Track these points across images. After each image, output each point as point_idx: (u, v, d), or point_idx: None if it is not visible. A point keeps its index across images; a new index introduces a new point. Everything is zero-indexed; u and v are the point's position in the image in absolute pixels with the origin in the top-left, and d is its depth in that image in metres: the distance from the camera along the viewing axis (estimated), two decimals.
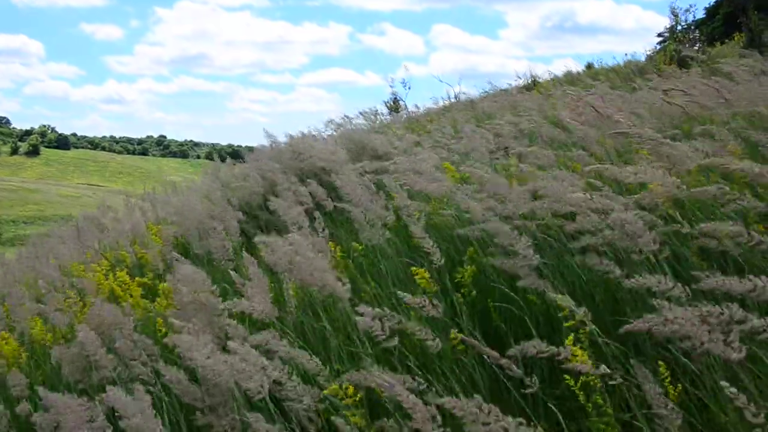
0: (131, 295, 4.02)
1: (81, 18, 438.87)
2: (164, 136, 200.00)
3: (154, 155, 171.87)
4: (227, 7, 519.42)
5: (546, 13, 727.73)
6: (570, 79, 12.30)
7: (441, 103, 13.24)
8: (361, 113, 10.82)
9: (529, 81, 13.11)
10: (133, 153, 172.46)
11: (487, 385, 2.35)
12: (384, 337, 2.15)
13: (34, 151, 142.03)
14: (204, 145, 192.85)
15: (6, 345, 3.78)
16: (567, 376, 2.01)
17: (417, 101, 23.96)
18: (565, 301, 2.15)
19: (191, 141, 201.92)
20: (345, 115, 10.37)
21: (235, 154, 9.79)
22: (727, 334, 1.38)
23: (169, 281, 3.34)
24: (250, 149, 10.26)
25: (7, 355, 3.72)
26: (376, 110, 12.05)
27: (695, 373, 2.05)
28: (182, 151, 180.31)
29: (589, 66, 14.57)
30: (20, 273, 6.86)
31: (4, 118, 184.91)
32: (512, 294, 2.66)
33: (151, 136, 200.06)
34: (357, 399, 1.98)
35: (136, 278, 4.38)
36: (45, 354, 3.78)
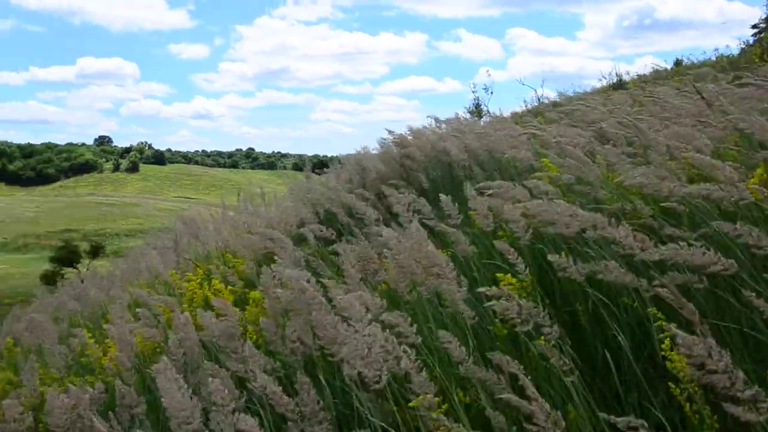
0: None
1: (169, 39, 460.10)
2: (252, 149, 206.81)
3: (243, 168, 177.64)
4: (305, 21, 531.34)
5: (624, 12, 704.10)
6: (658, 77, 11.83)
7: (525, 107, 13.00)
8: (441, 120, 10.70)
9: (615, 81, 12.70)
10: (224, 166, 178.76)
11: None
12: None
13: (133, 168, 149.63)
14: (291, 156, 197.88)
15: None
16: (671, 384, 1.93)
17: (499, 106, 23.70)
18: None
19: (278, 152, 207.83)
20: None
21: (321, 164, 9.95)
22: None
23: (263, 286, 3.40)
24: (336, 159, 10.41)
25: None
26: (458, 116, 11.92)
27: None
28: (270, 162, 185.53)
29: (678, 62, 13.99)
30: (120, 284, 7.20)
31: (107, 137, 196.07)
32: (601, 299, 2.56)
33: (240, 149, 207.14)
34: (443, 410, 1.94)
35: (229, 287, 4.50)
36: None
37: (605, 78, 13.43)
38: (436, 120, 7.85)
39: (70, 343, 5.01)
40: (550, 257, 2.48)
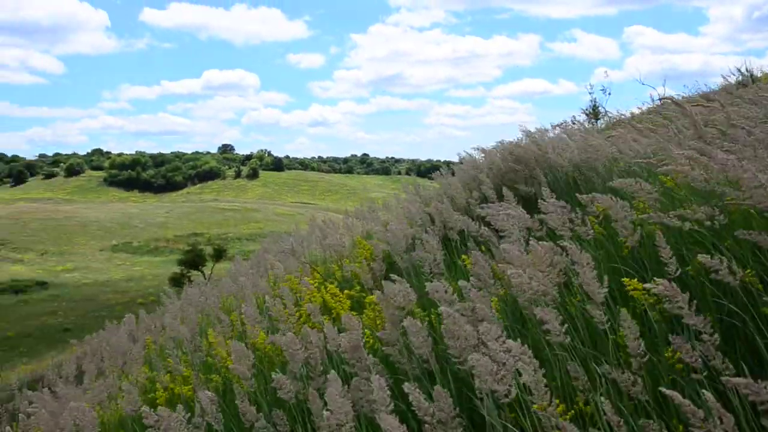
0: (342, 307, 4.22)
1: (288, 50, 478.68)
2: (367, 155, 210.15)
3: (358, 173, 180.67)
4: (418, 27, 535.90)
5: (753, 3, 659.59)
6: None
7: (645, 107, 12.39)
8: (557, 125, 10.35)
9: (745, 77, 11.86)
10: (339, 171, 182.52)
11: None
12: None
13: (253, 174, 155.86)
14: (404, 161, 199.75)
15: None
16: None
17: (616, 107, 22.69)
18: None
19: (392, 158, 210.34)
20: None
21: (434, 168, 9.92)
22: None
23: (378, 296, 3.45)
24: (449, 164, 10.35)
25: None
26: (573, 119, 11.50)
27: None
28: (384, 167, 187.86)
29: None
30: (242, 286, 7.48)
31: (230, 145, 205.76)
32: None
33: (355, 155, 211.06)
34: (567, 417, 1.89)
35: (345, 291, 4.58)
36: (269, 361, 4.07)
37: (733, 74, 12.59)
38: (551, 125, 7.68)
39: (199, 342, 5.27)
40: (701, 258, 2.31)
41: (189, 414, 2.78)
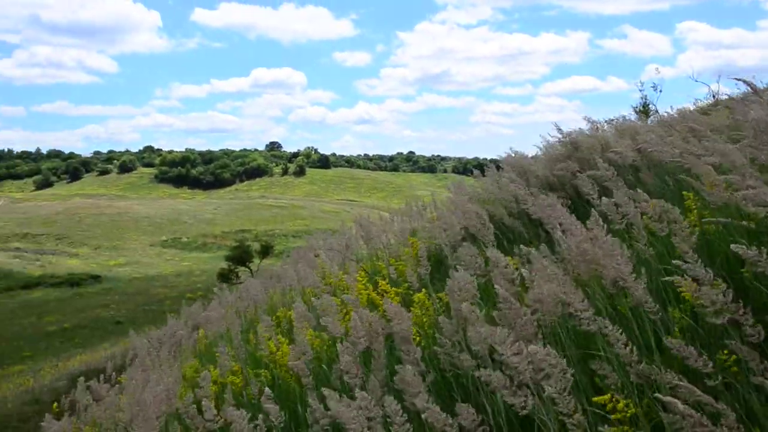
0: (390, 303, 4.22)
1: (334, 48, 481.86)
2: (413, 152, 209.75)
3: (404, 171, 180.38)
4: (465, 25, 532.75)
5: None
6: None
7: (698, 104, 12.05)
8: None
9: None
10: (385, 169, 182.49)
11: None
12: None
13: (300, 171, 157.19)
14: (450, 159, 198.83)
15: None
16: None
17: (668, 105, 22.06)
18: None
19: (438, 156, 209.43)
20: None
21: (479, 167, 9.81)
22: None
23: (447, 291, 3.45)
24: (496, 162, 10.22)
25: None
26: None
27: None
28: (430, 165, 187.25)
29: None
30: (291, 282, 7.55)
31: (276, 142, 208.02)
32: None
33: (401, 153, 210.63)
34: (627, 415, 1.87)
35: (393, 288, 4.58)
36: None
37: None
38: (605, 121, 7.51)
39: (248, 336, 5.35)
40: (734, 248, 2.24)
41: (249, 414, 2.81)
